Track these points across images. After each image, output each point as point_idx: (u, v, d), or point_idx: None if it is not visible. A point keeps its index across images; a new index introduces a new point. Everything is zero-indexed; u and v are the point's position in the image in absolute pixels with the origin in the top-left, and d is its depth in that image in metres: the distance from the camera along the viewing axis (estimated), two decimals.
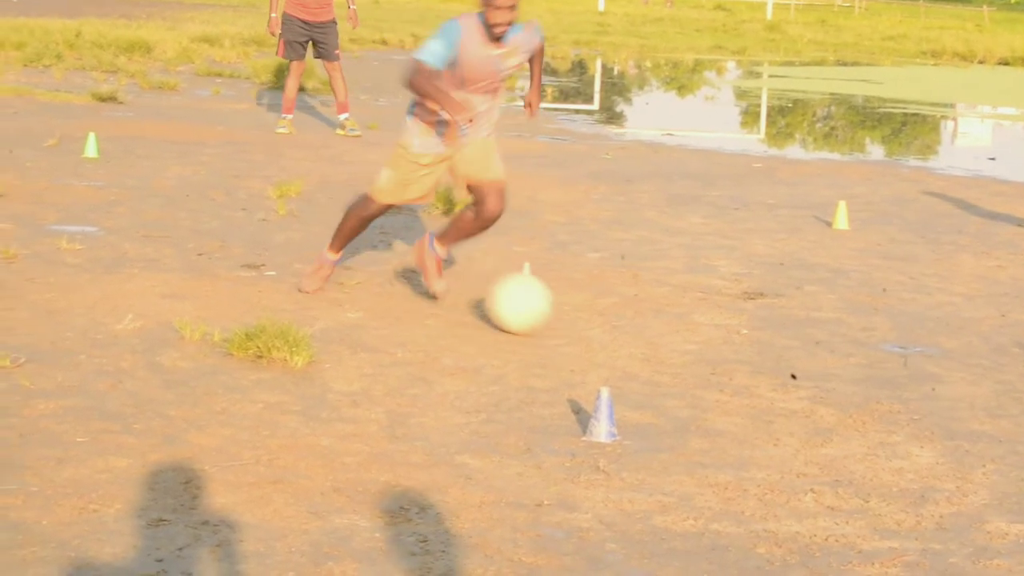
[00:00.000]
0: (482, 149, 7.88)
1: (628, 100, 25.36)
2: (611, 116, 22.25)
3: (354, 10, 16.52)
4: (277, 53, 16.09)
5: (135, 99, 18.27)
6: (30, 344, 6.86)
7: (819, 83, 29.51)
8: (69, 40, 24.05)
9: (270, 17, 16.19)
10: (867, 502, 5.47)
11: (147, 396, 6.22)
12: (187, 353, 6.88)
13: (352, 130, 15.86)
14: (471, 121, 7.67)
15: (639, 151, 16.48)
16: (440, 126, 7.78)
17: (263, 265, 8.92)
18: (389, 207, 8.14)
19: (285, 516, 4.99)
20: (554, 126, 18.74)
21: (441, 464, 5.62)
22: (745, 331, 8.04)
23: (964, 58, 39.90)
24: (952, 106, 26.51)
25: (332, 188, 12.00)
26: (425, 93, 7.55)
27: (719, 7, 66.07)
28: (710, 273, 9.52)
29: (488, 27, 7.55)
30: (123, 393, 6.24)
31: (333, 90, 15.90)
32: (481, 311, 8.09)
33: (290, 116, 15.85)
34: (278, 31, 16.25)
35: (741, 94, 27.58)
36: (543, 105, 8.54)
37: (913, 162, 17.56)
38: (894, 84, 30.07)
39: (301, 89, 18.45)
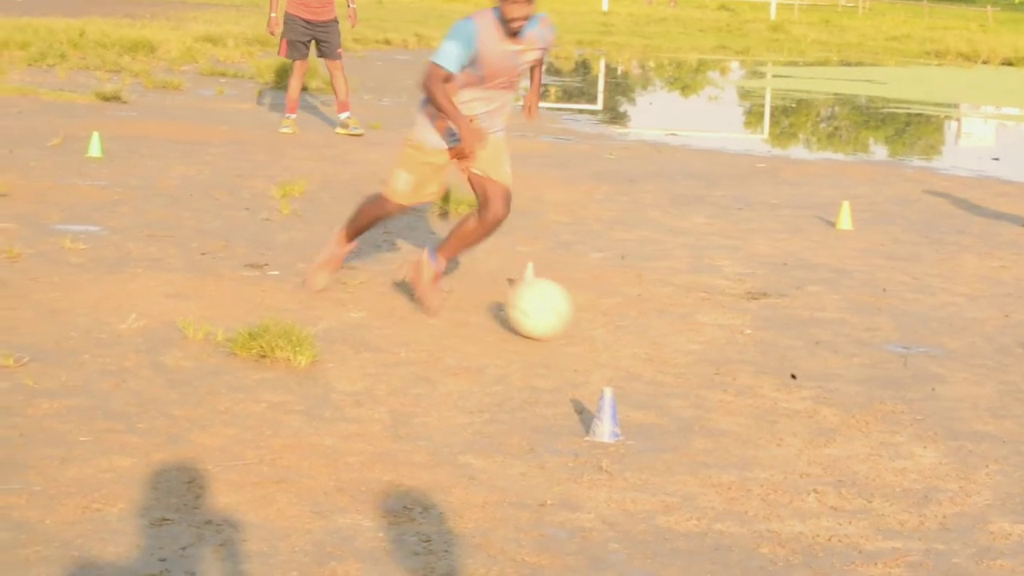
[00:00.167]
0: (494, 149, 7.86)
1: (632, 100, 25.36)
2: (615, 116, 22.25)
3: (353, 9, 16.53)
4: (279, 53, 16.10)
5: (139, 99, 18.27)
6: (34, 343, 6.86)
7: (823, 83, 29.49)
8: (73, 39, 24.06)
9: (270, 17, 16.20)
10: (870, 502, 5.47)
11: (151, 396, 6.22)
12: (190, 353, 6.89)
13: (355, 129, 15.87)
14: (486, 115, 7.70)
15: (643, 151, 16.48)
16: (451, 130, 7.76)
17: (266, 265, 8.92)
18: (405, 208, 8.10)
19: (288, 516, 4.99)
20: (558, 126, 18.74)
21: (444, 464, 5.62)
22: (748, 331, 8.04)
23: (968, 58, 39.88)
24: (956, 106, 26.49)
25: (335, 188, 12.01)
26: (440, 107, 7.56)
27: (723, 7, 66.05)
28: (713, 273, 9.52)
29: (505, 22, 7.53)
30: (127, 392, 6.24)
31: (334, 89, 15.91)
32: (483, 311, 8.09)
33: (294, 116, 15.86)
34: (278, 31, 16.27)
35: (745, 94, 27.57)
36: (543, 105, 8.50)
37: (917, 162, 17.56)
38: (898, 84, 30.06)
39: (304, 89, 18.45)
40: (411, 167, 7.91)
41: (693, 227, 11.25)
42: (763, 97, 26.71)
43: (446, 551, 4.77)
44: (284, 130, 15.70)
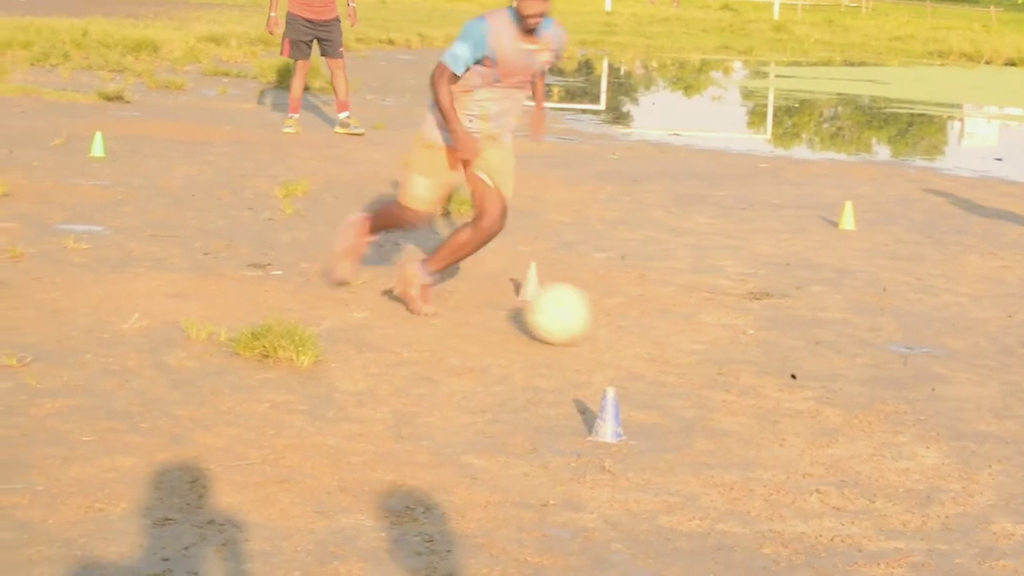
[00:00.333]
0: (503, 159, 7.84)
1: (635, 100, 25.35)
2: (617, 116, 22.24)
3: (353, 8, 16.55)
4: (282, 53, 16.11)
5: (142, 98, 18.28)
6: (36, 343, 6.87)
7: (826, 83, 29.49)
8: (76, 39, 24.06)
9: (269, 16, 16.22)
10: (873, 502, 5.47)
11: (153, 395, 6.23)
12: (193, 352, 6.89)
13: (355, 128, 15.87)
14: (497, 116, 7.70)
15: (645, 151, 16.48)
16: (467, 127, 7.73)
17: (269, 264, 8.93)
18: (425, 217, 7.97)
19: (291, 515, 4.99)
20: (561, 126, 18.74)
21: (447, 464, 5.62)
22: (751, 331, 8.04)
23: (971, 58, 39.87)
24: (959, 106, 26.48)
25: (338, 187, 12.01)
26: (442, 107, 7.57)
27: (726, 7, 66.05)
28: (716, 273, 9.52)
29: (521, 19, 7.52)
30: (129, 392, 6.25)
31: (334, 88, 15.92)
32: (486, 311, 8.09)
33: (296, 115, 15.87)
34: (277, 30, 16.29)
35: (748, 94, 27.56)
36: (547, 105, 8.44)
37: (919, 162, 17.55)
38: (901, 84, 30.05)
39: (306, 89, 18.46)
40: (426, 168, 7.84)
41: (696, 227, 11.25)
42: (766, 97, 26.70)
43: (448, 551, 4.77)
44: (287, 130, 15.71)
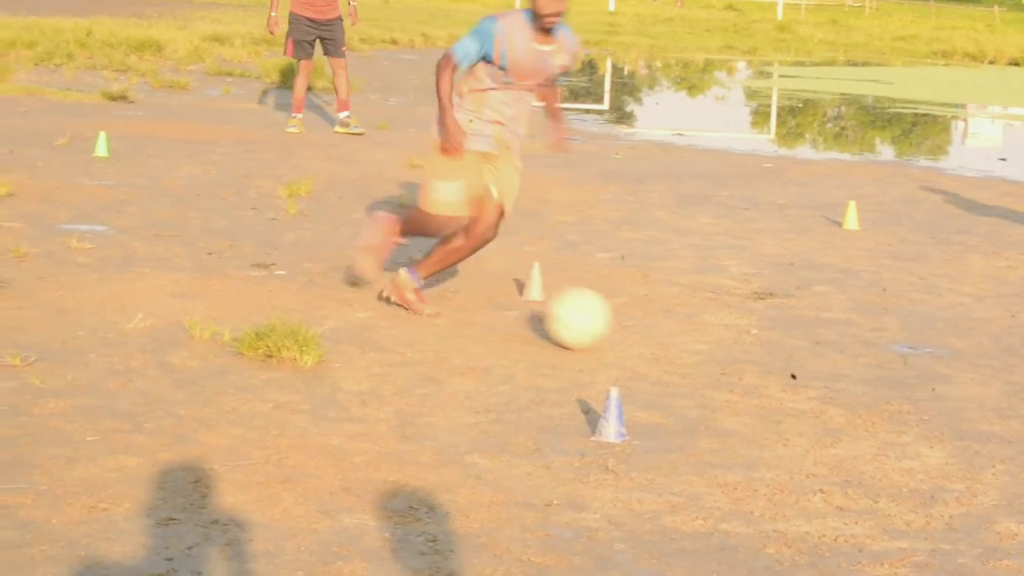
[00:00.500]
0: (510, 175, 7.82)
1: (638, 100, 25.35)
2: (621, 116, 22.24)
3: (354, 7, 16.58)
4: (285, 53, 16.12)
5: (146, 98, 18.29)
6: (40, 343, 6.87)
7: (829, 83, 29.48)
8: (80, 39, 24.08)
9: (269, 16, 16.23)
10: (876, 502, 5.47)
11: (157, 395, 6.23)
12: (197, 352, 6.89)
13: (355, 128, 15.88)
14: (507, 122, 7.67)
15: (649, 151, 16.48)
16: (479, 130, 7.70)
17: (273, 264, 8.93)
18: (454, 222, 7.84)
19: (294, 515, 4.99)
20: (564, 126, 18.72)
21: (450, 464, 5.62)
22: (755, 331, 8.04)
23: (975, 58, 39.87)
24: (962, 106, 26.47)
25: (342, 187, 12.02)
26: (439, 98, 7.56)
27: (729, 7, 66.05)
28: (720, 273, 9.52)
29: (538, 19, 7.51)
30: (133, 392, 6.25)
31: (336, 87, 15.93)
32: (489, 311, 8.10)
33: (300, 115, 15.88)
34: (277, 30, 16.32)
35: (751, 94, 27.56)
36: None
37: (923, 162, 17.55)
38: (904, 84, 30.04)
39: (309, 89, 18.47)
40: (447, 173, 7.73)
41: (699, 227, 11.25)
42: (770, 97, 26.70)
43: (452, 551, 4.77)
44: (291, 130, 15.72)
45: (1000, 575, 4.86)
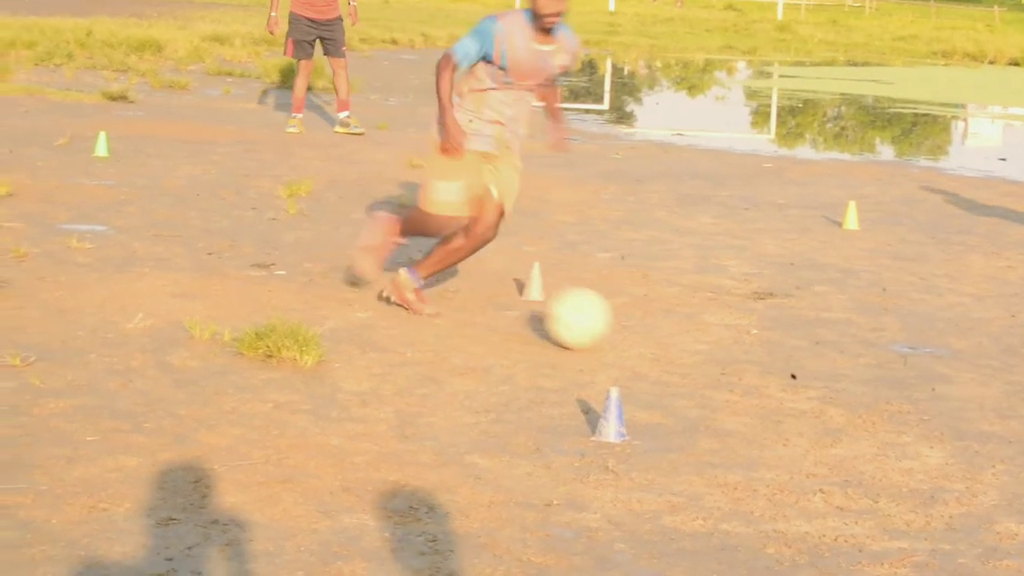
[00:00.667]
0: (510, 175, 7.81)
1: (638, 100, 25.35)
2: (621, 116, 22.24)
3: (354, 6, 16.59)
4: (285, 53, 16.12)
5: (146, 98, 18.29)
6: (40, 343, 6.87)
7: (829, 83, 29.48)
8: (80, 39, 24.09)
9: (269, 16, 16.23)
10: (876, 502, 5.47)
11: (157, 395, 6.23)
12: (197, 352, 6.89)
13: (355, 128, 15.88)
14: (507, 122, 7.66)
15: (649, 151, 16.48)
16: (479, 130, 7.69)
17: (273, 264, 8.93)
18: (455, 221, 7.81)
19: (294, 515, 4.99)
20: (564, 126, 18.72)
21: (450, 464, 5.62)
22: (755, 331, 8.04)
23: (975, 58, 39.87)
24: (962, 106, 26.47)
25: (342, 187, 12.02)
26: (439, 98, 7.56)
27: (729, 7, 66.05)
28: (720, 273, 9.52)
29: (538, 19, 7.50)
30: (133, 392, 6.25)
31: (336, 87, 15.93)
32: (489, 311, 8.10)
33: (300, 115, 15.88)
34: (277, 30, 16.33)
35: (751, 94, 27.56)
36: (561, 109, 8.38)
37: (923, 162, 17.55)
38: (904, 84, 30.05)
39: (310, 89, 18.48)
40: (446, 172, 7.72)
41: (700, 227, 11.25)
42: (770, 97, 26.70)
43: (452, 551, 4.77)
44: (291, 130, 15.72)
45: (1000, 575, 4.86)
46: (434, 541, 4.84)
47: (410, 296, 7.87)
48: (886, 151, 19.50)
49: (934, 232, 11.65)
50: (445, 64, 7.58)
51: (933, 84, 30.81)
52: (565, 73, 7.99)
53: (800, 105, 25.26)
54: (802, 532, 5.13)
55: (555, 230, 10.74)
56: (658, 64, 33.88)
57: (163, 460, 5.44)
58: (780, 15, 58.61)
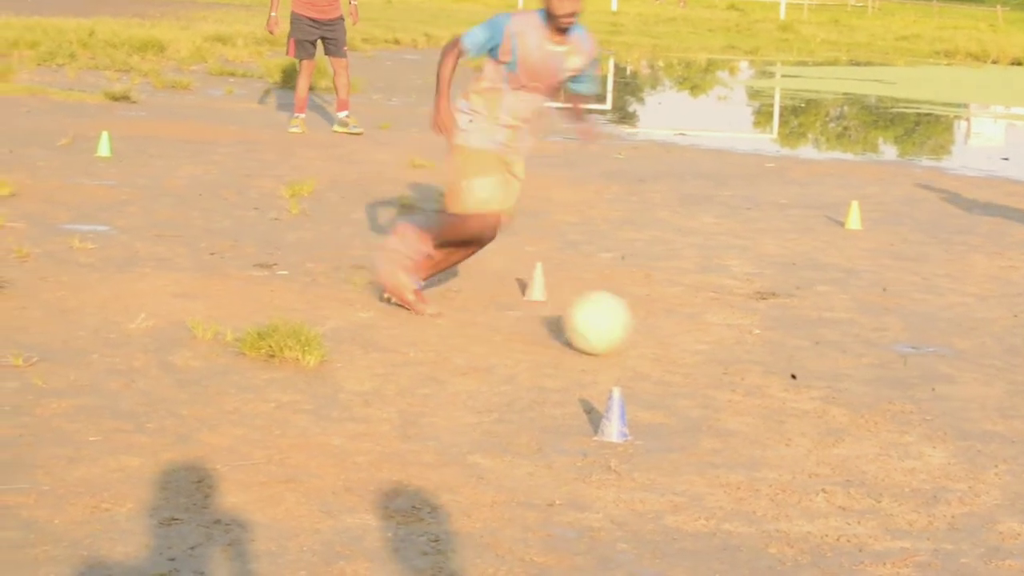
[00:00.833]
0: (514, 183, 7.80)
1: (641, 100, 25.35)
2: (624, 116, 22.24)
3: (355, 6, 16.59)
4: (287, 53, 16.13)
5: (148, 98, 18.30)
6: (42, 343, 6.87)
7: (832, 83, 29.47)
8: (83, 39, 24.10)
9: (269, 16, 16.23)
10: (879, 502, 5.46)
11: (159, 395, 6.23)
12: (199, 352, 6.89)
13: (354, 128, 15.89)
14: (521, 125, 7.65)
15: (651, 151, 16.48)
16: (491, 134, 7.67)
17: (275, 264, 8.93)
18: (497, 225, 7.75)
19: (297, 515, 4.99)
20: (567, 126, 18.73)
21: (452, 464, 5.62)
22: (757, 331, 8.04)
23: (977, 58, 39.86)
24: (965, 106, 26.46)
25: (344, 187, 12.02)
26: (439, 77, 7.53)
27: (732, 7, 66.04)
28: (722, 273, 9.52)
29: (552, 19, 7.46)
30: (135, 392, 6.25)
31: (336, 87, 15.93)
32: (491, 311, 8.10)
33: (302, 115, 15.88)
34: (277, 30, 16.33)
35: (754, 94, 27.55)
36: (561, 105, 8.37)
37: (926, 162, 17.54)
38: (907, 84, 30.03)
39: (312, 88, 18.48)
40: (480, 169, 7.65)
41: (702, 227, 11.25)
42: (772, 97, 26.69)
43: (454, 551, 4.77)
44: (293, 130, 15.72)
45: (1003, 575, 4.86)
46: (436, 541, 4.84)
47: (410, 297, 7.86)
48: (888, 151, 19.49)
49: (936, 232, 11.65)
50: (451, 48, 7.56)
51: (936, 84, 30.80)
52: (579, 74, 7.89)
53: (802, 105, 25.25)
54: (804, 532, 5.13)
55: (557, 230, 10.73)
56: (660, 64, 33.88)
57: (165, 460, 5.44)
58: (783, 15, 58.59)
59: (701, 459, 5.86)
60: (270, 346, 6.78)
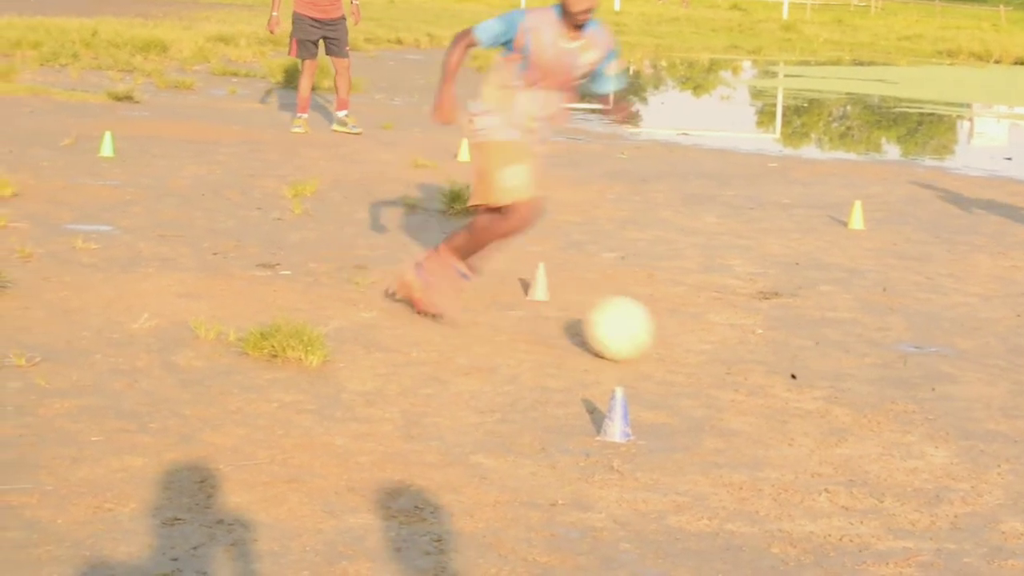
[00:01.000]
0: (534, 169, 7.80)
1: (644, 99, 25.34)
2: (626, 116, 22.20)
3: (356, 5, 16.59)
4: (289, 53, 16.13)
5: (151, 98, 18.30)
6: (45, 343, 6.87)
7: (835, 83, 29.47)
8: (85, 39, 24.11)
9: (271, 16, 16.24)
10: (881, 502, 5.46)
11: (162, 395, 6.23)
12: (202, 352, 6.89)
13: (353, 127, 15.89)
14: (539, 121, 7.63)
15: (654, 151, 16.47)
16: (505, 126, 7.65)
17: (278, 264, 8.93)
18: (532, 215, 7.69)
19: (299, 515, 4.99)
20: (570, 125, 18.73)
21: (455, 464, 5.62)
22: (760, 331, 8.04)
23: (980, 58, 39.86)
24: (968, 106, 26.45)
25: (347, 187, 12.02)
26: (445, 66, 7.48)
27: (735, 7, 66.04)
28: (725, 273, 9.51)
29: (568, 15, 7.43)
30: (138, 392, 6.25)
31: (336, 86, 15.93)
32: (494, 311, 8.10)
33: (305, 115, 15.88)
34: (277, 29, 16.34)
35: (757, 94, 27.54)
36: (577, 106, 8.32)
37: (929, 162, 17.54)
38: (910, 84, 30.02)
39: (315, 88, 18.48)
40: (507, 158, 7.56)
41: (705, 227, 11.25)
42: (775, 97, 26.68)
43: (457, 551, 4.77)
44: (296, 130, 15.72)
45: (1005, 575, 4.85)
46: (439, 541, 4.84)
47: (417, 295, 7.84)
48: (891, 151, 19.48)
49: (940, 232, 11.64)
50: (462, 37, 7.52)
51: (938, 83, 30.79)
52: (599, 73, 7.83)
53: (805, 105, 25.24)
54: (807, 532, 5.12)
55: (560, 230, 10.73)
56: (663, 64, 33.87)
57: (168, 460, 5.44)
58: (785, 15, 58.59)
59: (704, 459, 5.86)
60: (273, 346, 6.79)
